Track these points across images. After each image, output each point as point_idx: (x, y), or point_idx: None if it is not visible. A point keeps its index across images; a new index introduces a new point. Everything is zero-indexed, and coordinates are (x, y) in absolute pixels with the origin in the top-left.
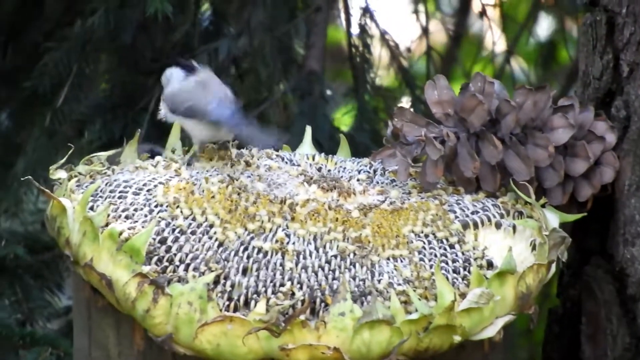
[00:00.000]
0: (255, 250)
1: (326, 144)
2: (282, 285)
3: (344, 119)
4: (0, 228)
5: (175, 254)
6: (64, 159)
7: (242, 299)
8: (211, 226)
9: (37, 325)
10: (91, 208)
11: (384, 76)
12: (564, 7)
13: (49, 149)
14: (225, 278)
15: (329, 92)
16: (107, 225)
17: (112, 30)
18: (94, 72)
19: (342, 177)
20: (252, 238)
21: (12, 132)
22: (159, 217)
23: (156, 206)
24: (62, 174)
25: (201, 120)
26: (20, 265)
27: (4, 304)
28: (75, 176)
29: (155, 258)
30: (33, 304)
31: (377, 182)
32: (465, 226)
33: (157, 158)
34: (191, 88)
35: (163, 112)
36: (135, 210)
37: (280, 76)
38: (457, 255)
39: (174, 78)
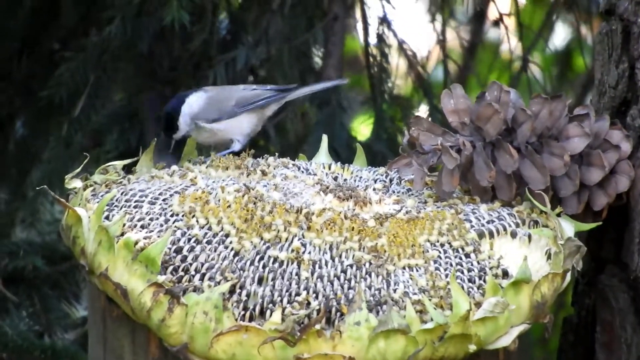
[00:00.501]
0: (271, 260)
1: (344, 153)
2: (297, 294)
3: (361, 128)
4: (17, 238)
5: (190, 264)
6: (80, 168)
7: (257, 308)
8: (227, 235)
9: (56, 337)
10: (107, 217)
11: (401, 85)
12: (580, 15)
13: (66, 159)
14: (241, 287)
15: (346, 102)
16: (122, 234)
17: (129, 39)
18: (111, 81)
19: (358, 186)
20: (268, 247)
21: (27, 140)
22: (175, 226)
23: (172, 215)
24: (77, 183)
25: (255, 104)
26: (38, 276)
27: (23, 316)
28: (91, 185)
29: (170, 267)
30: (51, 314)
31: (393, 191)
32: (480, 235)
33: (173, 167)
34: (219, 93)
35: (187, 128)
36: (151, 219)
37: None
38: (472, 265)
39: (192, 101)
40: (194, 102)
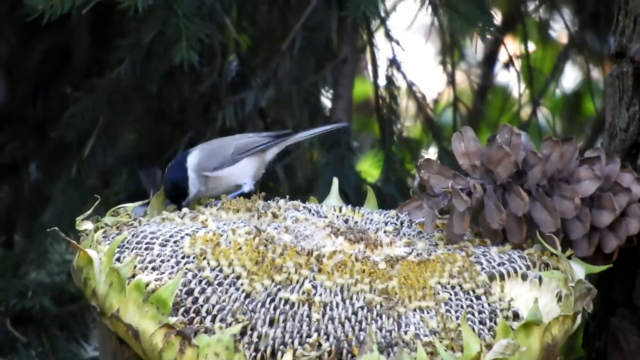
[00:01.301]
0: (282, 302)
1: (352, 194)
2: (308, 336)
3: (370, 170)
4: (26, 279)
5: (202, 305)
6: (91, 210)
7: (268, 349)
8: (238, 277)
9: None
10: (118, 259)
11: (410, 127)
12: (590, 58)
13: (75, 200)
14: (252, 329)
15: (355, 144)
16: (133, 276)
17: (138, 81)
18: (121, 122)
19: (369, 228)
20: (279, 289)
21: (41, 183)
22: (186, 268)
23: (183, 257)
24: (88, 225)
25: (254, 150)
26: (46, 316)
27: (32, 355)
28: (102, 227)
29: (182, 309)
30: (60, 355)
31: (404, 234)
32: (491, 278)
33: (184, 209)
34: (217, 144)
35: (197, 185)
36: (162, 261)
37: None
38: (483, 307)
39: (192, 159)
40: (193, 159)
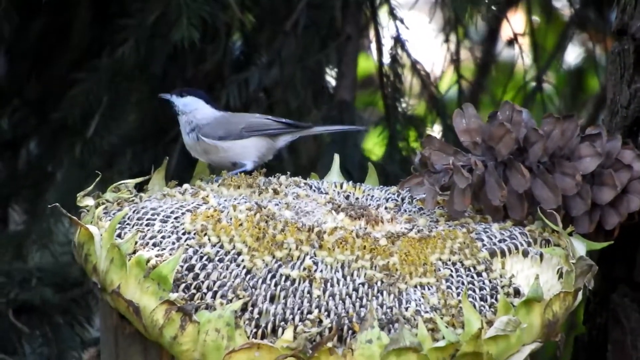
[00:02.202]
0: (283, 278)
1: (356, 173)
2: (309, 312)
3: (375, 149)
4: (30, 265)
5: (202, 282)
6: (92, 186)
7: (269, 326)
8: (239, 254)
9: None
10: (119, 235)
11: (415, 105)
12: (594, 35)
13: (80, 180)
14: (253, 305)
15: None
16: (134, 252)
17: (142, 61)
18: (125, 102)
19: (370, 205)
20: (279, 266)
21: (41, 161)
22: (187, 244)
23: (184, 234)
24: (89, 202)
25: (264, 132)
26: (48, 305)
27: (35, 346)
28: (103, 204)
29: (182, 285)
30: (63, 344)
31: (405, 211)
32: (492, 254)
33: (185, 186)
34: (229, 114)
35: (198, 144)
36: (163, 237)
37: (311, 106)
38: (484, 283)
39: (203, 111)
40: (201, 111)
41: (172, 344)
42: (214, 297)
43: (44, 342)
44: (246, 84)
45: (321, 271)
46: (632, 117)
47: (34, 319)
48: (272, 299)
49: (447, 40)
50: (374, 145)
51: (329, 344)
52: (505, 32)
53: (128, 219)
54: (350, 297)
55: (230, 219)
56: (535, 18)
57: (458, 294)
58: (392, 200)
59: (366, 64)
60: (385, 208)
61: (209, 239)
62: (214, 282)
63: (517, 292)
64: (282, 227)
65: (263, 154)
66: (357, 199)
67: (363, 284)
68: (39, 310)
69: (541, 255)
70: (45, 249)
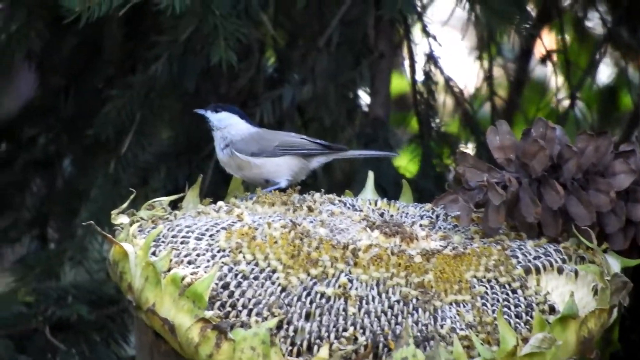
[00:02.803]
0: (318, 296)
1: (391, 190)
2: (344, 330)
3: (409, 166)
4: (66, 282)
5: (238, 299)
6: (126, 203)
7: (305, 343)
8: (274, 271)
9: None
10: (153, 253)
11: (448, 122)
12: (626, 53)
13: (113, 197)
14: (288, 323)
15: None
16: (169, 270)
17: (175, 77)
18: (158, 119)
19: (404, 222)
20: (314, 283)
21: (75, 178)
22: (222, 262)
23: (219, 251)
24: (124, 219)
25: (298, 151)
26: (84, 322)
27: None
28: (137, 221)
29: (218, 303)
30: None
31: (440, 228)
32: (527, 271)
33: (220, 203)
34: (264, 131)
35: (232, 159)
36: (198, 255)
37: (345, 123)
38: (519, 300)
39: (237, 127)
40: (236, 126)
41: None
42: (249, 314)
43: (82, 358)
44: (280, 101)
45: (356, 288)
46: None
47: (70, 336)
48: (308, 317)
49: (480, 58)
50: (408, 163)
51: None
52: (539, 50)
53: (163, 236)
54: (386, 314)
55: (265, 236)
56: (567, 37)
57: (493, 311)
58: (426, 217)
59: (399, 82)
60: (420, 225)
61: (244, 257)
62: (249, 300)
63: (552, 309)
64: (317, 244)
65: (296, 173)
66: (391, 216)
67: (398, 302)
68: (75, 327)
69: (576, 272)
70: (80, 266)
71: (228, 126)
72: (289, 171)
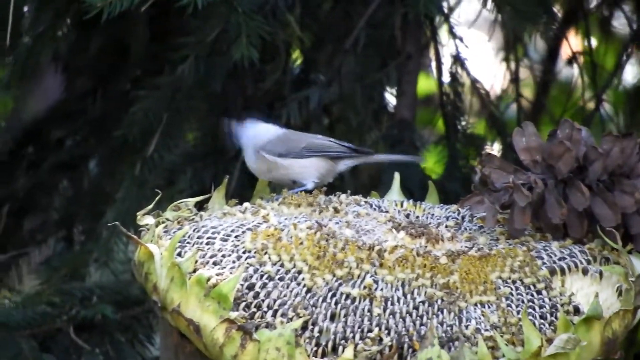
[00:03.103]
0: (343, 297)
1: (417, 192)
2: (369, 331)
3: (435, 167)
4: (91, 282)
5: (263, 300)
6: (152, 204)
7: (330, 344)
8: (299, 272)
9: None
10: (179, 254)
11: (474, 124)
12: None
13: (139, 198)
14: (313, 324)
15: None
16: (195, 271)
17: (201, 78)
18: (185, 120)
19: (430, 223)
20: (340, 284)
21: (101, 180)
22: (247, 263)
23: (244, 252)
24: (149, 220)
25: (325, 153)
26: (109, 322)
27: None
28: (163, 222)
29: (243, 304)
30: None
31: (465, 229)
32: (552, 272)
33: (245, 204)
34: (291, 132)
35: (261, 162)
36: (223, 256)
37: (371, 124)
38: (544, 301)
39: (260, 128)
40: (262, 131)
41: None
42: (274, 315)
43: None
44: (306, 102)
45: (381, 289)
46: None
47: (94, 337)
48: (333, 318)
49: (506, 59)
50: (434, 164)
51: None
52: (565, 51)
53: (188, 237)
54: (411, 315)
55: (291, 237)
56: (593, 40)
57: (518, 312)
58: (452, 218)
59: (426, 83)
60: (446, 226)
61: (270, 258)
62: (275, 301)
63: (576, 310)
64: (343, 245)
65: (323, 175)
66: (417, 217)
67: (423, 302)
68: (99, 327)
69: (601, 273)
70: (105, 267)
71: (256, 135)
72: (316, 173)
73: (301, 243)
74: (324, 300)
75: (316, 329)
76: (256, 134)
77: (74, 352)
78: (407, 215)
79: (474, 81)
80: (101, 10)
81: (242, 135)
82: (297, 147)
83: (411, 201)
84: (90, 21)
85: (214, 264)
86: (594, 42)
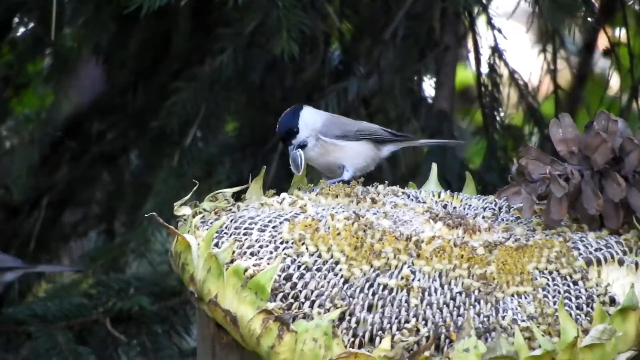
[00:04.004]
0: (381, 287)
1: (455, 183)
2: (407, 321)
3: (473, 158)
4: (128, 274)
5: (300, 291)
6: (189, 195)
7: (367, 335)
8: (337, 263)
9: None
10: (216, 244)
11: (512, 115)
12: None
13: (178, 190)
14: (351, 315)
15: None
16: (232, 261)
17: (240, 70)
18: (223, 111)
19: (467, 214)
20: (377, 275)
21: (141, 172)
22: (285, 253)
23: (282, 243)
24: (186, 211)
25: (373, 137)
26: (146, 314)
27: (132, 355)
28: (200, 213)
29: (280, 295)
30: (161, 352)
31: (502, 220)
32: (588, 263)
33: (283, 195)
34: (339, 117)
35: (318, 143)
36: (261, 247)
37: (410, 115)
38: (580, 292)
39: (311, 114)
40: (310, 115)
41: (269, 353)
42: (311, 306)
43: (141, 352)
44: (345, 94)
45: (419, 280)
46: None
47: (131, 328)
48: (370, 308)
49: (544, 50)
50: (473, 155)
51: (426, 353)
52: (602, 43)
53: (225, 228)
54: (448, 306)
55: (328, 228)
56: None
57: (554, 303)
58: (489, 209)
59: (464, 74)
60: (483, 217)
61: (307, 248)
62: (312, 292)
63: (612, 301)
64: (380, 236)
65: (371, 159)
66: (454, 208)
67: (460, 293)
68: (136, 319)
69: (637, 264)
70: (142, 258)
71: (304, 126)
72: (365, 157)
73: (339, 234)
74: (362, 291)
75: (353, 319)
76: (307, 126)
77: (110, 344)
78: (445, 206)
79: (512, 72)
80: (141, 4)
81: (303, 140)
82: (351, 131)
83: (448, 192)
84: (131, 14)
85: (252, 254)
86: (631, 33)
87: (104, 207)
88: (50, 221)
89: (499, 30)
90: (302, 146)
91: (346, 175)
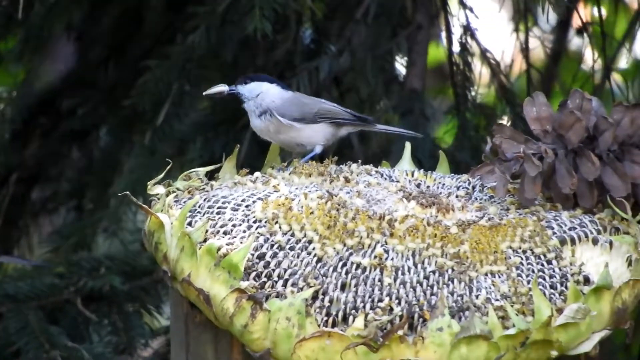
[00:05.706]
0: (354, 266)
1: (427, 162)
2: (380, 300)
3: (445, 137)
4: (99, 253)
5: (273, 270)
6: (162, 174)
7: (340, 314)
8: (310, 242)
9: (136, 354)
10: (189, 224)
11: (484, 94)
12: None
13: (149, 168)
14: (324, 294)
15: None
16: (205, 240)
17: (212, 48)
18: (195, 89)
19: (441, 193)
20: (350, 254)
21: (111, 149)
22: (258, 232)
23: (255, 222)
24: (160, 190)
25: (333, 120)
26: (117, 293)
27: (103, 334)
28: (174, 192)
29: (253, 273)
30: (133, 331)
31: (476, 199)
32: (562, 242)
33: (256, 174)
34: (300, 95)
35: (271, 124)
36: (234, 226)
37: (382, 94)
38: (554, 271)
39: (271, 92)
40: (269, 92)
41: (242, 332)
42: (284, 285)
43: (113, 331)
44: (317, 72)
45: (392, 259)
46: None
47: (102, 307)
48: (343, 287)
49: (516, 29)
50: (445, 134)
51: (400, 332)
52: (575, 22)
53: (199, 207)
54: (421, 285)
55: (302, 207)
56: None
57: (528, 282)
58: (463, 188)
59: (436, 53)
60: (456, 196)
61: (280, 227)
62: (285, 271)
63: (586, 280)
64: (353, 215)
65: (328, 140)
66: (428, 187)
67: (434, 272)
68: (107, 298)
69: (611, 243)
70: (114, 237)
71: (260, 94)
72: (323, 138)
73: (312, 212)
74: (335, 269)
75: (327, 298)
76: (263, 97)
77: (81, 323)
78: (418, 185)
79: (484, 51)
80: None
81: (246, 95)
82: (310, 113)
83: (422, 171)
84: None
85: (225, 233)
86: (604, 12)
87: (74, 184)
88: (19, 197)
89: (471, 9)
90: (239, 97)
91: (318, 149)
